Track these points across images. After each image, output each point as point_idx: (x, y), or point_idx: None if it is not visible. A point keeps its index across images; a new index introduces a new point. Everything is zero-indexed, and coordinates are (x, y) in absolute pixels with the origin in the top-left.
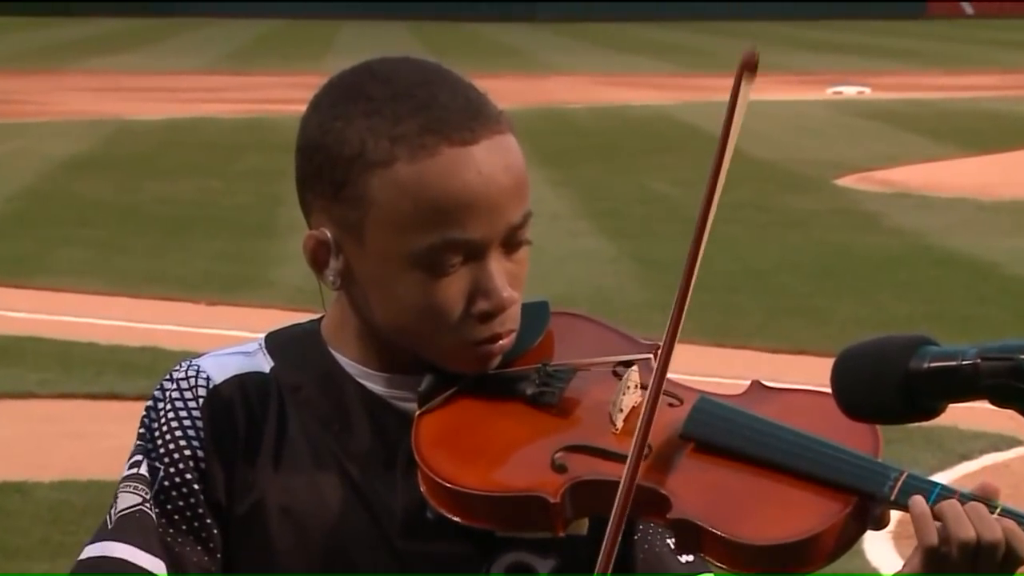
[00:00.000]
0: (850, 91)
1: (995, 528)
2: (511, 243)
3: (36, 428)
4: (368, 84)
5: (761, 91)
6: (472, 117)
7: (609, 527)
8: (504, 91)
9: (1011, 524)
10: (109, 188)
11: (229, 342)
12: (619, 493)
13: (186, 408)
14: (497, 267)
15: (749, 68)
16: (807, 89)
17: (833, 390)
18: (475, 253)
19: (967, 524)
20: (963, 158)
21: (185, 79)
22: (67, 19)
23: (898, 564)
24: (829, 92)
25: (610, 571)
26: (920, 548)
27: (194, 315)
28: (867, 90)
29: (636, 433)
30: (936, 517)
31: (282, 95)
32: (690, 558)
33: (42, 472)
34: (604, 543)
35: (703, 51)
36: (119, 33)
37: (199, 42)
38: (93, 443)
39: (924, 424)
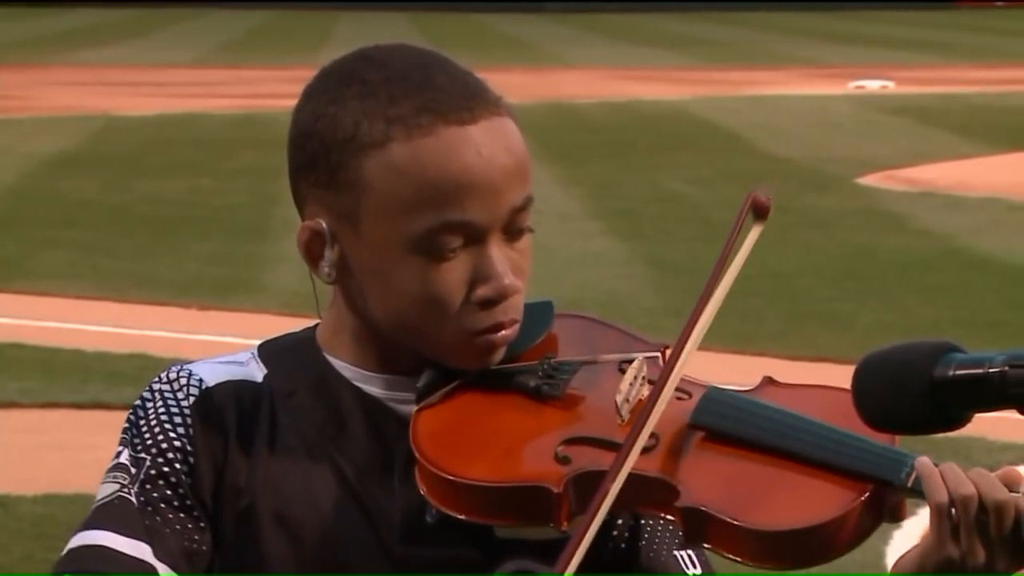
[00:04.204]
0: (873, 85)
1: (999, 489)
2: (512, 229)
3: (18, 439)
4: (363, 68)
5: (780, 85)
6: (470, 98)
7: (588, 509)
8: (511, 85)
9: None
10: (95, 187)
11: (221, 348)
12: (608, 475)
13: (178, 406)
14: (498, 252)
15: (759, 212)
16: (828, 83)
17: (854, 399)
18: (475, 237)
19: (966, 481)
20: (994, 155)
21: (175, 73)
22: (51, 9)
23: None
24: (851, 86)
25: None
26: (931, 509)
27: (185, 320)
28: (891, 84)
29: (638, 419)
30: None
31: (277, 90)
32: (698, 570)
33: (25, 486)
34: (581, 525)
35: (720, 42)
36: (106, 24)
37: (190, 34)
38: (78, 455)
39: (950, 435)
